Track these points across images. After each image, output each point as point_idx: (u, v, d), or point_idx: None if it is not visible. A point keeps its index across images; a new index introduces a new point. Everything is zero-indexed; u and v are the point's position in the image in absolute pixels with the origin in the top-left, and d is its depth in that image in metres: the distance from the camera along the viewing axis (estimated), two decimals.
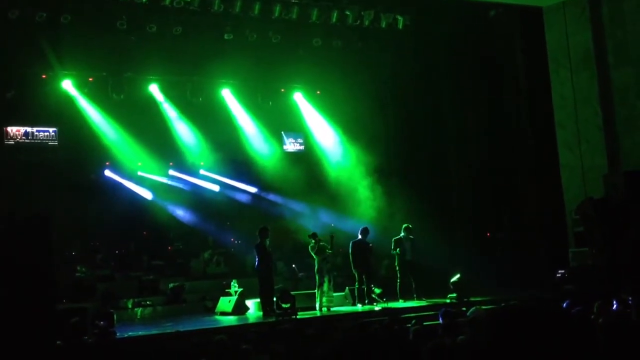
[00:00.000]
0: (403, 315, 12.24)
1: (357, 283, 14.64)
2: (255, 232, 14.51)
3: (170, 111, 18.76)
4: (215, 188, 20.16)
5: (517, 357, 2.04)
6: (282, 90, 19.91)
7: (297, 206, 19.60)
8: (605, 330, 4.63)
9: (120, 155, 18.47)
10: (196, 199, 19.86)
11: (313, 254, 14.19)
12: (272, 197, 20.04)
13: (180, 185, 19.90)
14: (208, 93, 18.91)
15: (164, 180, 19.63)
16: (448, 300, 13.95)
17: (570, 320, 2.05)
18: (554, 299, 9.02)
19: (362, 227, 15.07)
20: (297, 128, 20.55)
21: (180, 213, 19.44)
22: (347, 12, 16.41)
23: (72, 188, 17.24)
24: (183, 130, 19.12)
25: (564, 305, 7.91)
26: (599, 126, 14.16)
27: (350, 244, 14.81)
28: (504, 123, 17.37)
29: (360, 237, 14.83)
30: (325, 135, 20.25)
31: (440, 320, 8.03)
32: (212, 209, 19.97)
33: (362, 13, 16.51)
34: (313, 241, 14.26)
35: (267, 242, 14.07)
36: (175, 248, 19.01)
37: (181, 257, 18.56)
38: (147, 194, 19.17)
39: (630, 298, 7.70)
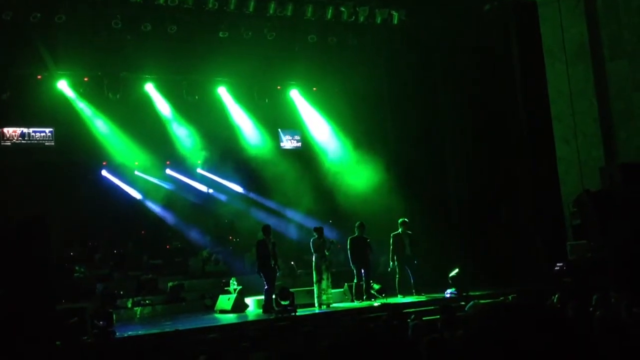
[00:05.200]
0: (402, 311, 12.24)
1: (355, 279, 14.65)
2: (252, 230, 14.50)
3: (166, 110, 18.74)
4: (209, 190, 20.17)
5: (506, 353, 2.05)
6: (278, 87, 19.90)
7: (292, 207, 19.63)
8: (601, 324, 4.65)
9: (117, 155, 18.48)
10: (192, 198, 19.90)
11: (312, 249, 14.18)
12: (267, 199, 20.05)
13: (176, 185, 19.92)
14: (204, 91, 18.90)
15: (161, 181, 19.66)
16: (447, 295, 13.96)
17: (560, 316, 2.06)
18: (551, 292, 9.02)
19: (358, 222, 15.04)
20: (293, 125, 20.55)
21: (175, 212, 19.47)
22: (342, 9, 16.40)
23: (70, 188, 17.29)
24: (179, 129, 19.12)
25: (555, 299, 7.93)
26: (595, 119, 14.18)
27: (348, 240, 14.80)
28: (500, 117, 17.37)
29: (357, 232, 14.83)
30: (322, 131, 20.25)
31: (439, 315, 8.05)
32: (208, 208, 20.01)
33: (357, 9, 16.50)
34: (317, 235, 14.25)
35: (270, 240, 14.05)
36: (174, 247, 19.03)
37: (179, 256, 18.57)
38: (136, 194, 19.19)
39: (612, 294, 7.70)
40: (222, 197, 20.40)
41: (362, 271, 14.55)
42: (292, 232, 19.26)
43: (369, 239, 14.85)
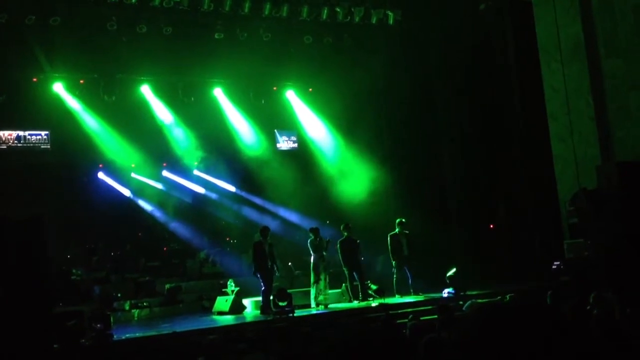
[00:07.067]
0: (400, 311, 12.25)
1: (347, 281, 14.65)
2: (248, 232, 14.48)
3: (162, 112, 18.71)
4: (202, 190, 20.15)
5: (504, 352, 2.05)
6: (274, 88, 19.88)
7: (289, 208, 19.61)
8: (597, 322, 4.65)
9: (113, 157, 18.45)
10: (190, 199, 19.87)
11: (311, 250, 14.18)
12: (264, 200, 20.03)
13: (173, 186, 19.88)
14: (200, 92, 18.87)
15: (157, 182, 19.63)
16: (444, 295, 13.96)
17: (557, 316, 2.06)
18: (547, 291, 9.02)
19: (343, 224, 15.00)
20: (290, 126, 20.54)
21: (171, 214, 19.44)
22: (338, 9, 16.41)
23: (66, 191, 17.25)
24: (176, 131, 19.09)
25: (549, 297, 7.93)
26: (591, 117, 14.17)
27: (338, 243, 14.78)
28: (497, 116, 17.39)
29: (345, 234, 14.81)
30: (318, 132, 20.24)
31: (437, 315, 8.04)
32: (205, 210, 19.98)
33: (353, 9, 16.52)
34: (313, 236, 14.24)
35: (268, 242, 14.04)
36: (171, 249, 19.00)
37: (177, 258, 18.55)
38: (129, 194, 19.16)
39: (606, 293, 7.71)
40: (218, 198, 20.36)
41: (354, 273, 14.56)
42: (289, 233, 19.23)
43: (358, 240, 14.85)
